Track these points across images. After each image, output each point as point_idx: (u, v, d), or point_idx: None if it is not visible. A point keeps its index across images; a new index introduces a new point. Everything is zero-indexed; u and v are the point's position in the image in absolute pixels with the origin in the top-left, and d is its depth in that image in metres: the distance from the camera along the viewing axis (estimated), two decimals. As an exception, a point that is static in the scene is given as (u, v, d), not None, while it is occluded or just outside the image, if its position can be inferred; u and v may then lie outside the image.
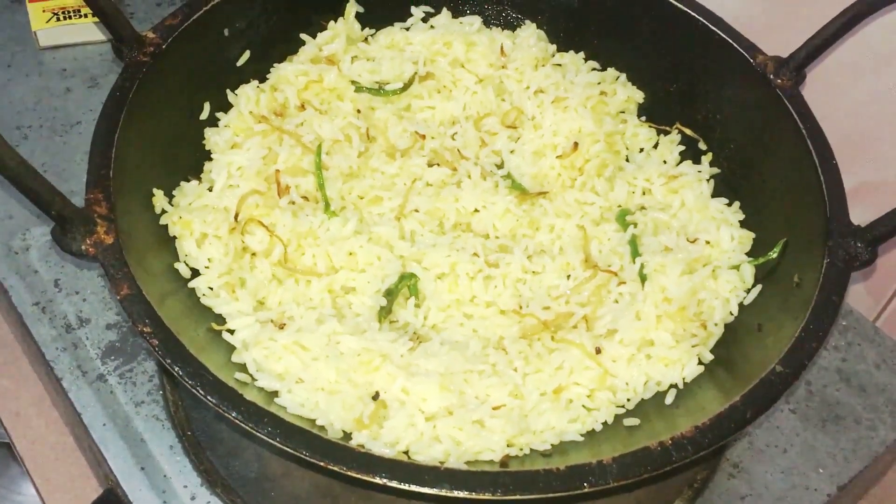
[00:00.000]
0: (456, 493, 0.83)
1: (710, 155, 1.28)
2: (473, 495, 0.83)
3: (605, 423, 1.04)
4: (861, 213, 1.09)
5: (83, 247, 0.93)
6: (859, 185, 1.36)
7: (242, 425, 0.86)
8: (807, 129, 1.14)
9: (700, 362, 1.08)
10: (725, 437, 0.89)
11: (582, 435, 1.03)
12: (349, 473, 0.83)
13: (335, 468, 0.84)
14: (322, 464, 0.84)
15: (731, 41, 1.22)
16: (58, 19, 1.58)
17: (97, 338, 1.23)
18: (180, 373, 0.88)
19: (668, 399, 1.05)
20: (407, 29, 1.38)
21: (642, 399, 1.07)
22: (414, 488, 0.83)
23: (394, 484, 0.83)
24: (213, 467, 1.12)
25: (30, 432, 1.45)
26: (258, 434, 0.85)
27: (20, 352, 1.49)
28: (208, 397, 0.87)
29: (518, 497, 0.84)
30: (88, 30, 1.59)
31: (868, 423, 1.23)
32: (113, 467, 1.12)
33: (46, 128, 1.48)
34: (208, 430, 1.15)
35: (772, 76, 1.18)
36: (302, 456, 0.84)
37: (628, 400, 1.07)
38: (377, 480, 0.83)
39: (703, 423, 0.89)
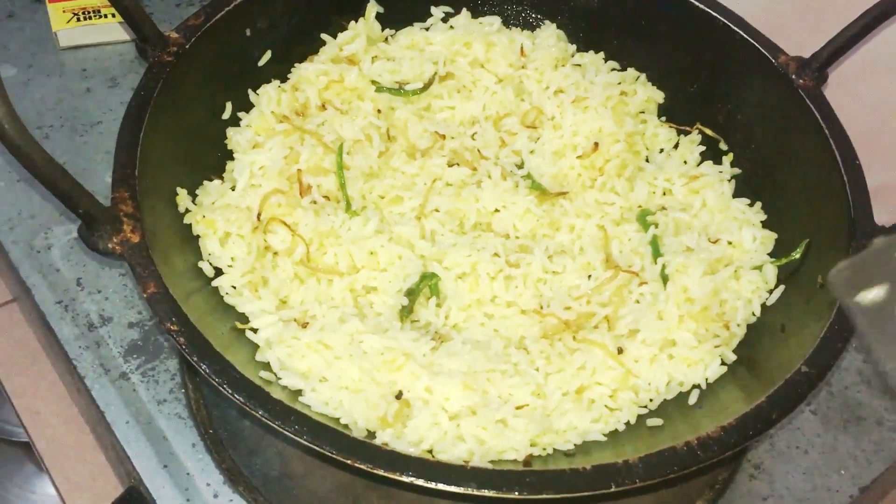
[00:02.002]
0: (483, 493, 0.83)
1: (731, 155, 1.28)
2: (500, 494, 0.83)
3: (627, 423, 1.04)
4: (882, 214, 1.08)
5: (110, 245, 0.94)
6: (881, 186, 1.35)
7: (269, 423, 0.86)
8: (829, 129, 1.14)
9: (723, 363, 1.08)
10: (751, 437, 0.89)
11: (605, 435, 1.03)
12: (376, 472, 0.84)
13: (362, 466, 0.84)
14: (349, 462, 0.84)
15: (752, 41, 1.22)
16: (78, 20, 1.59)
17: (119, 336, 1.24)
18: (207, 371, 0.88)
19: (691, 399, 1.05)
20: (427, 29, 1.38)
21: (665, 399, 1.07)
22: (441, 487, 0.83)
23: (420, 482, 0.83)
24: (235, 466, 1.12)
25: (49, 431, 1.46)
26: (285, 432, 0.86)
27: (40, 351, 1.50)
28: (235, 395, 0.87)
29: (545, 496, 0.84)
30: (108, 30, 1.59)
31: (890, 424, 1.23)
32: (136, 465, 1.13)
33: (67, 127, 1.48)
34: (230, 428, 1.15)
35: (794, 76, 1.18)
36: (329, 454, 0.85)
37: (651, 400, 1.07)
38: (404, 479, 0.83)
39: (728, 424, 0.89)
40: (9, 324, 1.55)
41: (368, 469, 0.84)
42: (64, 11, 1.59)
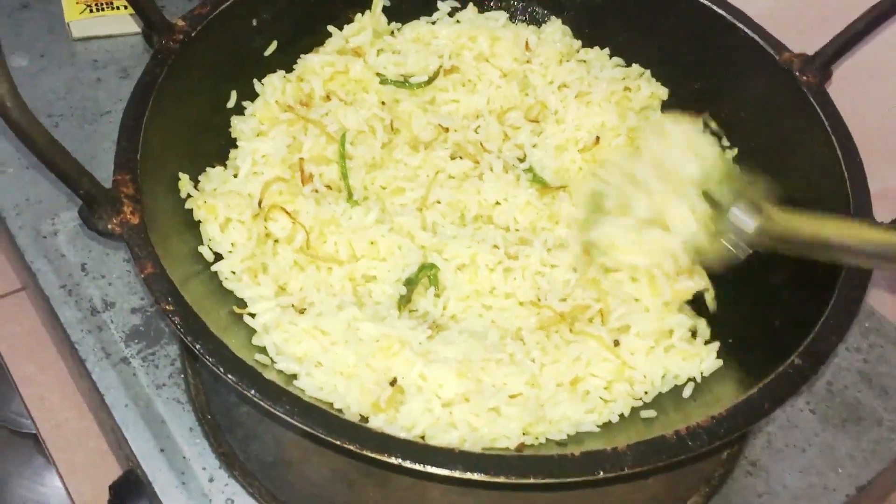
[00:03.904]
0: (470, 476, 0.83)
1: (734, 150, 1.27)
2: (488, 478, 0.83)
3: (621, 415, 1.04)
4: (886, 216, 1.08)
5: (109, 226, 0.95)
6: (884, 189, 1.34)
7: (261, 403, 0.87)
8: (832, 126, 1.13)
9: (718, 356, 1.08)
10: (742, 428, 0.89)
11: (598, 426, 1.03)
12: (364, 453, 0.84)
13: (351, 447, 0.84)
14: (338, 443, 0.84)
15: (756, 38, 1.22)
16: (91, 11, 1.61)
17: (121, 321, 1.25)
18: (201, 350, 0.89)
19: (686, 392, 1.05)
20: (433, 23, 1.38)
21: (660, 392, 1.07)
22: (429, 469, 0.83)
23: (408, 464, 0.83)
24: (231, 450, 1.13)
25: (54, 416, 1.48)
26: (276, 412, 0.86)
27: (46, 338, 1.52)
28: (228, 375, 0.88)
29: (532, 481, 0.84)
30: (121, 21, 1.62)
31: (889, 424, 1.22)
32: (133, 448, 1.14)
33: (77, 116, 1.50)
34: (228, 413, 1.16)
35: (797, 73, 1.18)
36: (318, 435, 0.85)
37: (646, 392, 1.07)
38: (392, 461, 0.84)
39: (719, 414, 0.89)
40: (17, 312, 1.57)
41: (357, 450, 0.84)
42: (77, 2, 1.61)
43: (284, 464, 1.13)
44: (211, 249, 1.11)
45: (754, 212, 0.99)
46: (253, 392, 0.87)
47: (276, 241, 1.14)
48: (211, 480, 1.11)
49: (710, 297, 1.14)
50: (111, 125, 1.49)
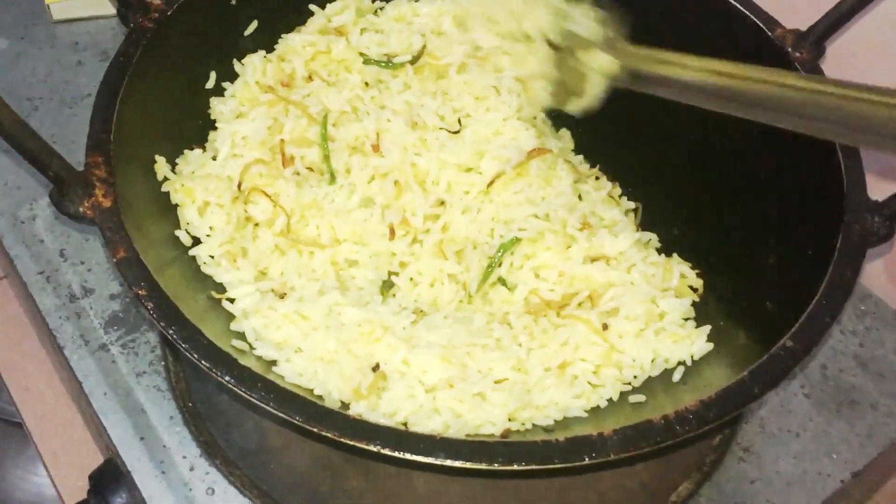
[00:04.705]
0: (451, 463, 0.81)
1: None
2: (470, 465, 0.81)
3: (610, 400, 1.02)
4: (881, 196, 1.05)
5: (81, 209, 0.92)
6: (886, 167, 1.31)
7: (236, 390, 0.84)
8: (825, 103, 1.10)
9: (709, 339, 1.05)
10: (731, 412, 0.86)
11: (586, 411, 1.00)
12: (343, 440, 0.81)
13: (329, 435, 0.82)
14: (316, 430, 0.82)
15: (748, 13, 1.19)
16: (71, -7, 1.57)
17: (101, 307, 1.22)
18: (174, 336, 0.86)
19: (676, 376, 1.03)
20: (416, 1, 1.35)
21: (649, 376, 1.04)
22: (409, 457, 0.81)
23: (388, 451, 0.81)
24: (212, 439, 1.11)
25: (38, 407, 1.45)
26: (252, 399, 0.84)
27: (29, 326, 1.49)
28: (202, 361, 0.85)
29: (515, 468, 0.81)
30: (101, 4, 1.58)
31: (885, 408, 1.20)
32: (112, 437, 1.11)
33: (57, 100, 1.47)
34: (209, 401, 1.14)
35: (790, 49, 1.15)
36: (296, 422, 0.82)
37: (635, 377, 1.04)
38: (372, 448, 0.81)
39: (708, 398, 0.86)
40: (1, 299, 1.55)
41: (335, 437, 0.81)
42: (57, -16, 1.58)
43: (266, 452, 1.11)
44: (188, 233, 1.08)
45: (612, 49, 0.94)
46: (228, 378, 0.84)
47: (255, 224, 1.12)
48: (191, 469, 1.09)
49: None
50: (91, 109, 1.46)
